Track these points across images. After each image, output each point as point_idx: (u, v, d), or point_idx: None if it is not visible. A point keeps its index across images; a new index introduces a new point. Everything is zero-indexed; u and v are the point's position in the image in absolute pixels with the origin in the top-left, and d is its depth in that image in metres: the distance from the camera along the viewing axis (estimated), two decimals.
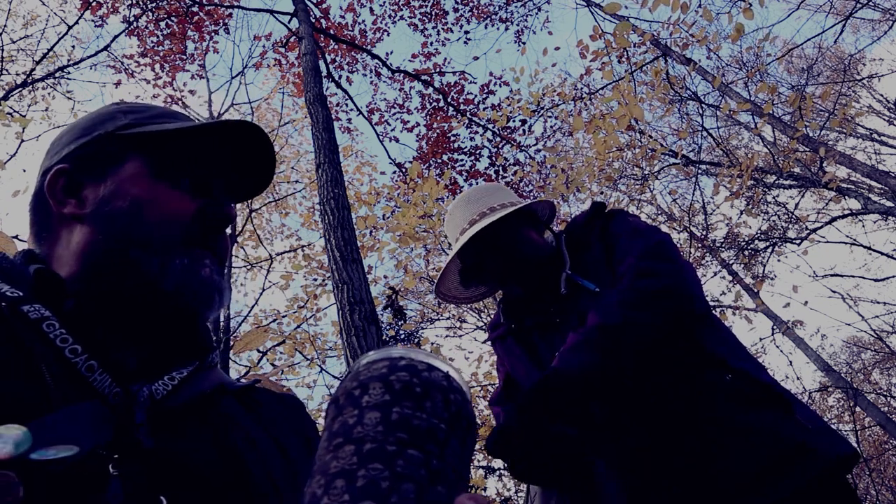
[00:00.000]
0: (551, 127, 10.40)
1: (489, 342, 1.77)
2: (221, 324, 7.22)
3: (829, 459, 1.18)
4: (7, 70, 8.35)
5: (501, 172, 9.93)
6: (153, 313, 0.68)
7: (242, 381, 0.80)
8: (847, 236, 9.91)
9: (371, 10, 10.19)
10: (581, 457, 1.29)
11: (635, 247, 1.43)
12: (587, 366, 1.24)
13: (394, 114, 10.76)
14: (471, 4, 11.07)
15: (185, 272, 0.68)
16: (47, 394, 0.54)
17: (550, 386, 1.24)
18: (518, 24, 11.51)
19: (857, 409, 9.26)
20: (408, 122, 10.76)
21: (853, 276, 10.72)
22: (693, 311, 1.36)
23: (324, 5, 9.28)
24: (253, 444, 0.66)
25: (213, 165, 0.77)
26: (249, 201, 8.25)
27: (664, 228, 10.70)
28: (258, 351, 7.98)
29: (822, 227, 9.89)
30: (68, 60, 9.40)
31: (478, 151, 10.21)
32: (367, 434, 0.41)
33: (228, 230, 0.80)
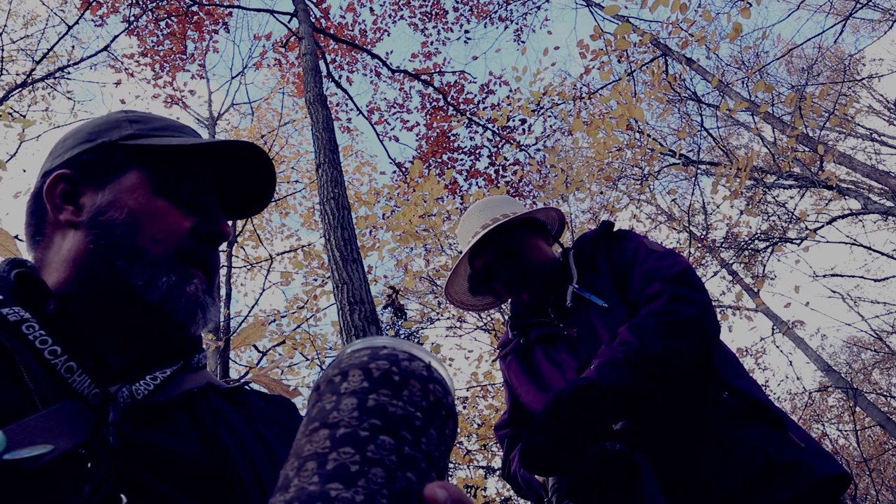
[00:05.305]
0: (551, 126, 10.41)
1: (498, 361, 1.79)
2: (221, 324, 7.22)
3: (818, 476, 1.21)
4: (7, 70, 8.35)
5: (501, 172, 9.94)
6: (138, 322, 0.69)
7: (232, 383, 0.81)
8: (847, 236, 9.90)
9: (371, 9, 10.19)
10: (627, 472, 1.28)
11: (662, 270, 1.45)
12: (625, 385, 1.26)
13: (394, 113, 10.77)
14: (470, 3, 11.07)
15: (172, 287, 0.69)
16: (28, 395, 0.55)
17: (586, 397, 1.25)
18: (517, 23, 11.52)
19: (857, 409, 9.26)
20: (408, 121, 10.78)
21: (853, 276, 10.69)
22: (716, 337, 1.41)
23: (324, 5, 9.28)
24: (238, 439, 0.67)
25: (212, 183, 0.78)
26: None
27: (664, 228, 10.73)
28: (258, 351, 7.98)
29: (822, 227, 9.88)
30: (68, 60, 9.39)
31: (478, 151, 10.21)
32: (342, 419, 0.41)
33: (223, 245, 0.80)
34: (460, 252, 1.74)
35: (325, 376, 0.46)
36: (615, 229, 1.67)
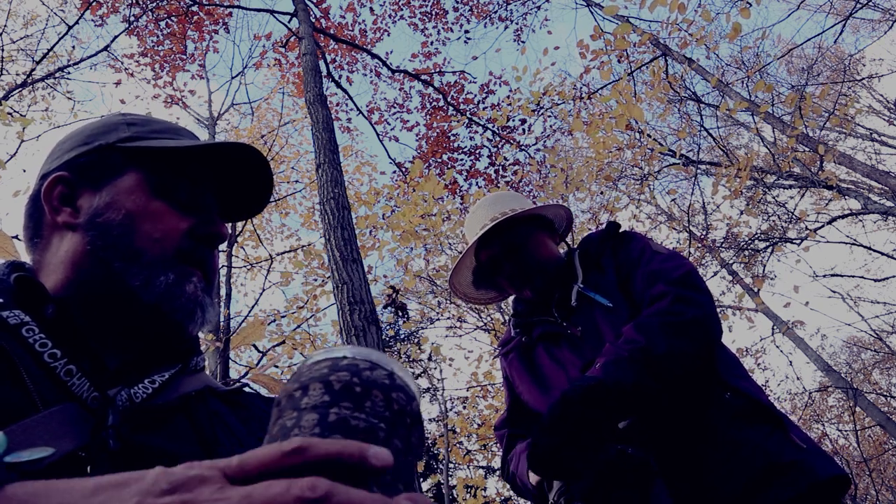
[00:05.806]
0: (551, 126, 10.41)
1: (498, 358, 1.80)
2: (221, 324, 7.22)
3: (818, 477, 1.21)
4: (7, 70, 8.35)
5: (501, 172, 9.93)
6: (135, 323, 0.69)
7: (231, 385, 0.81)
8: (847, 236, 9.91)
9: (371, 9, 10.19)
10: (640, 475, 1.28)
11: (666, 271, 1.46)
12: (631, 383, 1.26)
13: (394, 113, 10.78)
14: (470, 3, 11.07)
15: (170, 287, 0.69)
16: (29, 398, 0.55)
17: (592, 395, 1.24)
18: (517, 23, 11.51)
19: (857, 409, 9.26)
20: (408, 121, 10.78)
21: (853, 276, 10.71)
22: (719, 339, 1.42)
23: (324, 5, 9.28)
24: (238, 441, 0.67)
25: (210, 184, 0.78)
26: None
27: (664, 228, 10.73)
28: (258, 351, 7.98)
29: (822, 227, 9.89)
30: (68, 60, 9.40)
31: (478, 151, 10.22)
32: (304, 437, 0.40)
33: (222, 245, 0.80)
34: (466, 244, 1.76)
35: (286, 391, 0.45)
36: (621, 230, 1.68)
